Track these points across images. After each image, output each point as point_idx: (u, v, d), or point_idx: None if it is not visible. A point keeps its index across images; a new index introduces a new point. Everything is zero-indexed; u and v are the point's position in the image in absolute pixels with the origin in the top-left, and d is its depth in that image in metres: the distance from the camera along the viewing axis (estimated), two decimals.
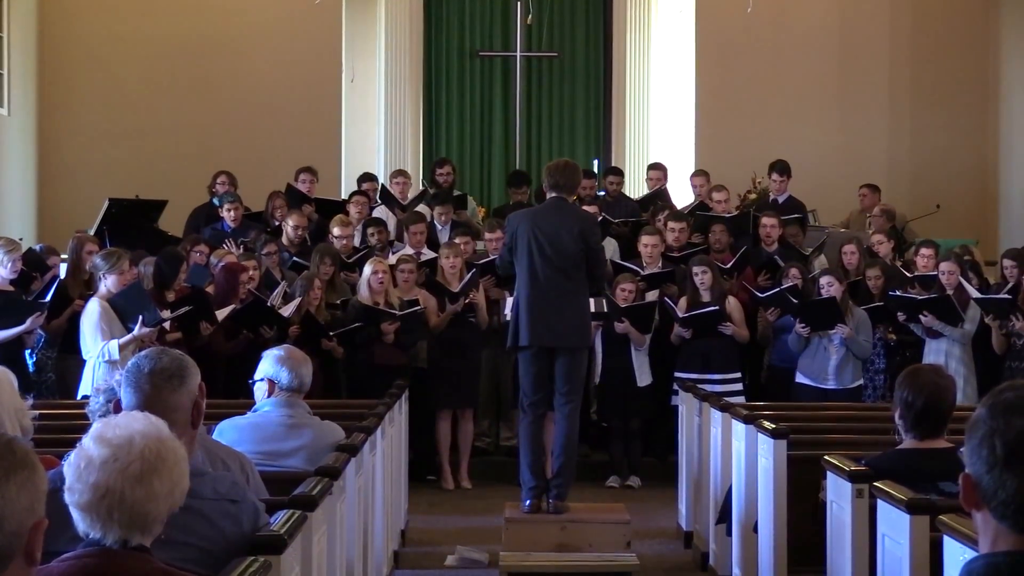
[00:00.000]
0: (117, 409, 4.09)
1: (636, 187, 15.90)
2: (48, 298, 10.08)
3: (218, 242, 12.13)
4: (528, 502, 8.84)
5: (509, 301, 10.72)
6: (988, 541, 2.37)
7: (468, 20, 17.90)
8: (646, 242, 12.08)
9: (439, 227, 13.16)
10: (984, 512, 2.36)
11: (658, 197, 14.18)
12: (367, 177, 14.64)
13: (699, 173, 14.56)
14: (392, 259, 11.89)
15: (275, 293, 10.97)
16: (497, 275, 11.61)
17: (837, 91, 17.14)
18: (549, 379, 8.85)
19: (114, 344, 9.45)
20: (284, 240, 12.30)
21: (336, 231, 12.30)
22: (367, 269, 11.28)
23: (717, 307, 11.32)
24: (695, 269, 11.49)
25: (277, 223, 12.82)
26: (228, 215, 12.70)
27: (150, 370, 4.07)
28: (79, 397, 9.30)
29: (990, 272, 12.38)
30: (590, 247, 8.73)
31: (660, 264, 12.09)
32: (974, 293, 11.01)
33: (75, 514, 3.08)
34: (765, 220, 12.63)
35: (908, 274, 11.78)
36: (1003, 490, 2.32)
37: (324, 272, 11.37)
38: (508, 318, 9.28)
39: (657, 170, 14.74)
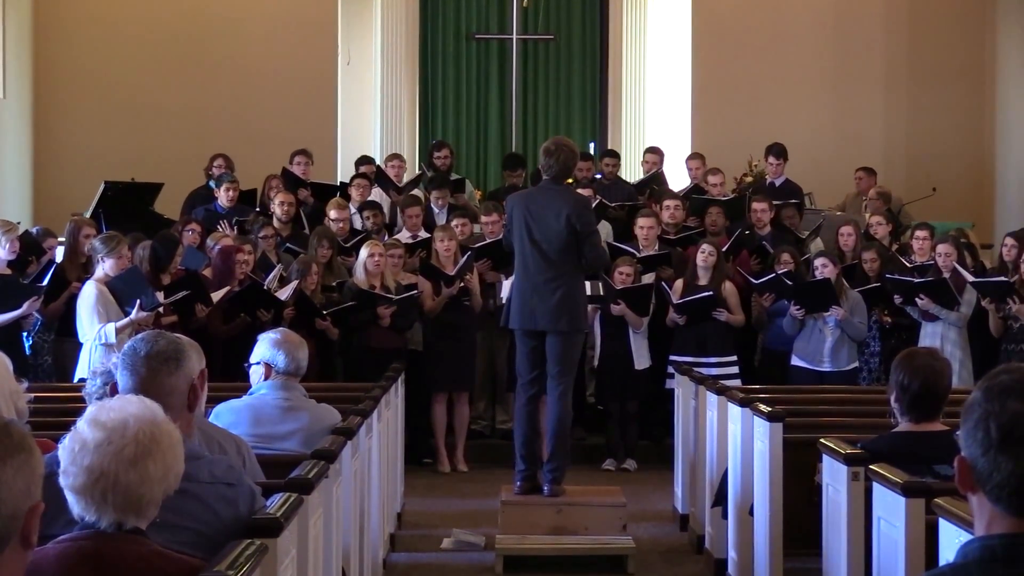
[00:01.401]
0: (114, 392, 4.10)
1: (633, 170, 15.89)
2: (45, 282, 10.08)
3: (212, 223, 12.13)
4: (518, 484, 8.86)
5: (505, 284, 10.73)
6: (983, 524, 2.37)
7: (464, 2, 17.87)
8: (642, 224, 12.09)
9: (436, 211, 13.16)
10: (979, 495, 2.37)
11: (654, 181, 14.19)
12: (365, 160, 14.61)
13: (695, 156, 14.58)
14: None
15: (271, 276, 10.96)
16: (493, 258, 11.62)
17: (833, 74, 17.12)
18: (541, 360, 8.85)
19: (111, 327, 9.45)
20: (274, 222, 12.28)
21: (333, 214, 12.30)
22: (363, 252, 11.26)
23: (711, 292, 11.32)
24: (703, 246, 11.50)
25: (272, 206, 12.81)
26: (225, 194, 12.68)
27: (146, 353, 4.07)
28: (75, 380, 9.29)
29: (986, 256, 12.39)
30: (578, 231, 8.70)
31: (656, 247, 12.10)
32: (970, 277, 11.02)
33: (69, 497, 3.08)
34: (756, 204, 12.61)
35: (907, 263, 11.78)
36: (998, 473, 2.33)
37: (322, 255, 11.37)
38: (504, 300, 9.31)
39: (654, 154, 14.77)
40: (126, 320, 9.47)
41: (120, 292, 9.61)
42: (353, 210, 12.82)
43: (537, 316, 8.70)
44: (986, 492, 2.35)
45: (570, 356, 8.90)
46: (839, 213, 14.07)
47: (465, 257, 11.48)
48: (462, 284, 11.45)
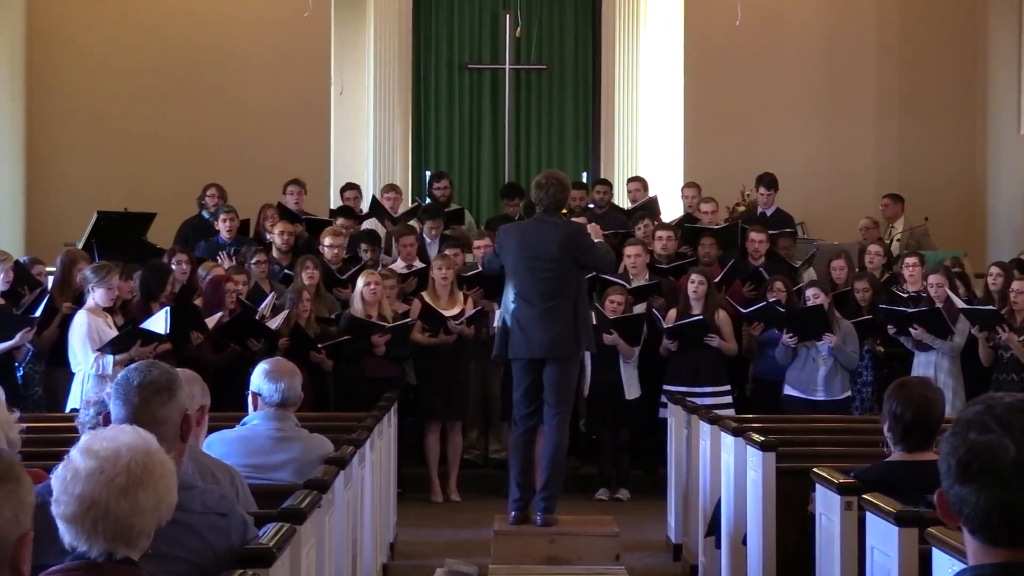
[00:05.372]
0: (107, 421, 4.09)
1: (625, 199, 15.91)
2: (38, 312, 10.07)
3: (213, 255, 12.15)
4: (513, 514, 8.87)
5: (497, 313, 10.78)
6: (971, 554, 2.38)
7: (457, 32, 17.91)
8: (629, 252, 12.11)
9: (428, 241, 13.17)
10: (962, 526, 2.38)
11: (648, 210, 14.20)
12: (349, 186, 14.69)
13: (690, 185, 14.59)
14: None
15: (265, 303, 10.95)
16: (485, 288, 11.62)
17: (825, 103, 17.16)
18: (540, 392, 8.90)
19: (109, 358, 9.44)
20: (274, 252, 12.30)
21: (327, 240, 12.30)
22: (360, 281, 11.27)
23: (701, 316, 11.32)
24: (693, 277, 11.51)
25: (269, 236, 12.81)
26: (223, 226, 12.68)
27: (139, 383, 4.07)
28: (68, 410, 9.28)
29: (978, 285, 12.42)
30: (579, 258, 8.85)
31: (647, 275, 12.12)
32: (960, 303, 11.04)
33: (61, 526, 3.06)
34: (754, 236, 12.63)
35: (900, 292, 11.82)
36: (965, 505, 2.33)
37: (307, 277, 11.33)
38: (496, 327, 9.34)
39: (637, 182, 14.81)
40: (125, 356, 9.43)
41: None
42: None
43: (535, 345, 8.79)
44: (962, 524, 2.36)
45: (569, 384, 9.04)
46: (834, 243, 14.03)
47: (476, 310, 11.46)
48: (459, 331, 11.47)
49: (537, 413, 9.00)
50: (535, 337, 8.80)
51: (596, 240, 9.37)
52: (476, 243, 12.43)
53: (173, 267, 11.25)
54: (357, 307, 11.23)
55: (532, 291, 8.83)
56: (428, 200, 14.63)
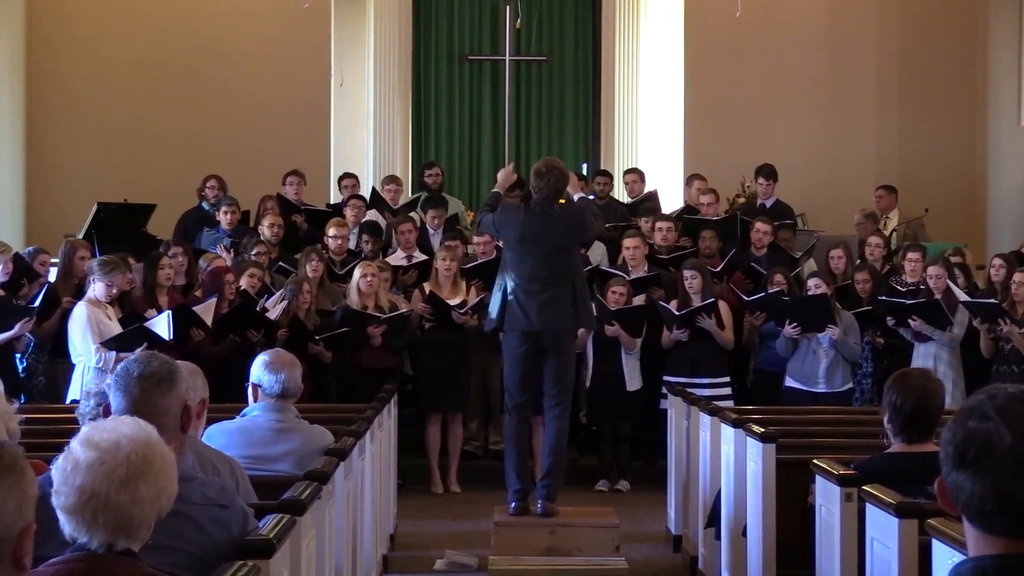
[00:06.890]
0: (107, 413, 4.09)
1: (624, 191, 15.90)
2: (37, 303, 10.06)
3: (216, 246, 12.16)
4: (514, 504, 8.88)
5: (495, 286, 10.75)
6: (971, 544, 2.38)
7: (457, 24, 17.90)
8: (628, 245, 12.10)
9: (432, 231, 13.16)
10: (961, 514, 2.38)
11: (648, 201, 14.18)
12: (346, 176, 14.72)
13: (698, 177, 14.50)
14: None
15: (272, 299, 10.91)
16: (485, 278, 11.62)
17: (826, 95, 17.15)
18: (536, 382, 8.91)
19: (112, 355, 9.44)
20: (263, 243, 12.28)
21: (332, 231, 12.31)
22: (356, 273, 11.27)
23: (713, 300, 11.27)
24: (686, 274, 11.48)
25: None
26: (225, 218, 12.67)
27: (139, 374, 4.07)
28: (68, 401, 9.28)
29: (979, 276, 12.43)
30: (582, 237, 9.24)
31: (646, 267, 12.11)
32: (962, 296, 11.04)
33: (61, 517, 3.06)
34: (759, 226, 12.60)
35: (899, 285, 11.82)
36: (961, 492, 2.34)
37: (312, 270, 11.33)
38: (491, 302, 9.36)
39: (634, 174, 14.77)
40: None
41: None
42: (353, 231, 12.83)
43: (537, 320, 8.82)
44: (962, 513, 2.36)
45: (569, 375, 9.15)
46: (832, 235, 14.04)
47: (478, 300, 11.47)
48: (464, 314, 11.48)
49: (531, 403, 9.02)
50: (533, 314, 8.86)
51: (576, 196, 9.48)
52: (476, 239, 12.40)
53: (173, 259, 11.23)
54: (353, 299, 11.23)
55: (532, 276, 8.89)
56: (423, 190, 14.59)
